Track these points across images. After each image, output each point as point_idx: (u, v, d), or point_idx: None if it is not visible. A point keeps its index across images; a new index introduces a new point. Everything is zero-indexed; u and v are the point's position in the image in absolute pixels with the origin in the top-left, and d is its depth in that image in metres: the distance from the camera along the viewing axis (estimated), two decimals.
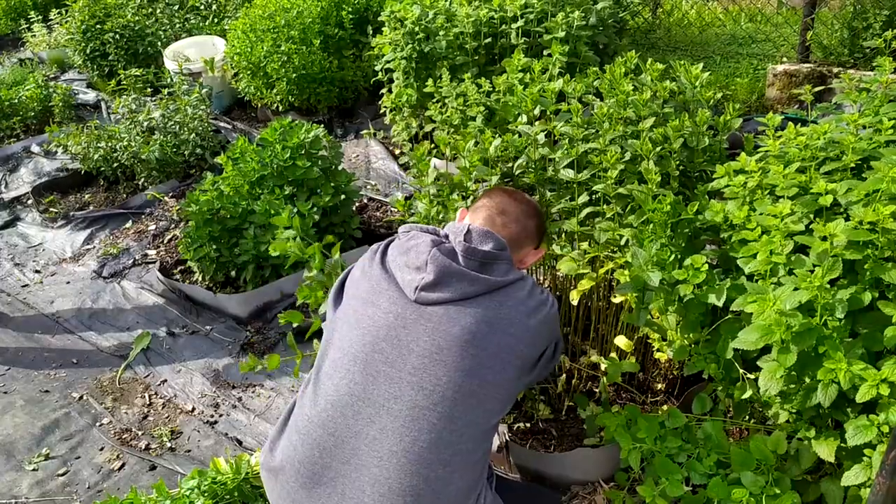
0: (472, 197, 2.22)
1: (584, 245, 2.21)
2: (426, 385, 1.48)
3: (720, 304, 1.70)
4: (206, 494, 1.93)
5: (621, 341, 2.20)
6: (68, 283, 3.59)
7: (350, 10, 4.69)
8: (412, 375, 1.49)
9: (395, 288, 1.57)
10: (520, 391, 1.82)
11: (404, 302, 1.55)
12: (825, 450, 1.60)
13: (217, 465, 2.05)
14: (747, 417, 1.91)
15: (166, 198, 4.14)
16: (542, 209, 1.85)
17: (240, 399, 2.76)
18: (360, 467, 1.47)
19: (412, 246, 1.60)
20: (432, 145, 2.81)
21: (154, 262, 3.60)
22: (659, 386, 2.36)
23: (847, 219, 1.66)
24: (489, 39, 3.69)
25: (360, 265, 1.69)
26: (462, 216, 1.80)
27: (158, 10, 5.93)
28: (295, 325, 2.08)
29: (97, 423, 2.68)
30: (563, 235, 2.33)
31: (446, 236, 1.66)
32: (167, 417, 2.71)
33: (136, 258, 3.70)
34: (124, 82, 4.62)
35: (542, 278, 2.73)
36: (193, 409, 2.73)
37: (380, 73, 4.06)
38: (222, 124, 4.93)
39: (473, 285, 1.55)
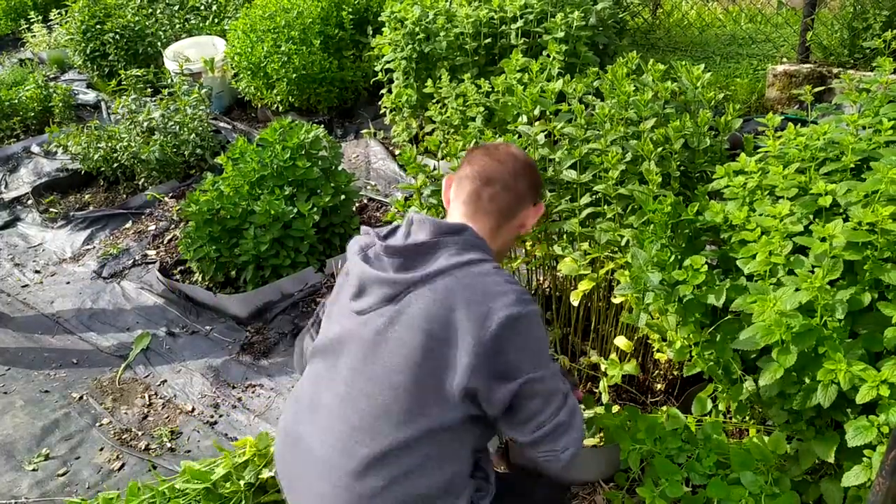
0: None
1: (585, 246, 2.21)
2: (341, 392, 1.48)
3: (720, 304, 1.70)
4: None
5: (621, 342, 2.20)
6: (68, 283, 3.59)
7: (350, 10, 4.69)
8: (339, 382, 1.49)
9: (345, 298, 1.56)
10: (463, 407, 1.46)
11: (348, 313, 1.52)
12: (825, 450, 1.60)
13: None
14: (747, 418, 1.91)
15: (166, 198, 4.14)
16: (531, 160, 1.69)
17: (239, 399, 2.76)
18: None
19: (349, 254, 1.57)
20: (425, 145, 2.81)
21: (154, 263, 3.60)
22: (659, 386, 2.36)
23: (846, 219, 1.66)
24: (489, 40, 3.69)
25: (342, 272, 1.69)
26: (448, 185, 1.67)
27: (158, 11, 5.93)
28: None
29: (97, 424, 2.68)
30: (563, 236, 2.33)
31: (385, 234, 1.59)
32: (167, 417, 2.71)
33: (136, 258, 3.70)
34: (124, 82, 4.62)
35: (542, 279, 2.73)
36: (193, 409, 2.73)
37: (380, 74, 4.06)
38: (222, 124, 4.93)
39: (392, 287, 1.46)
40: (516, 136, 2.23)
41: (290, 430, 1.57)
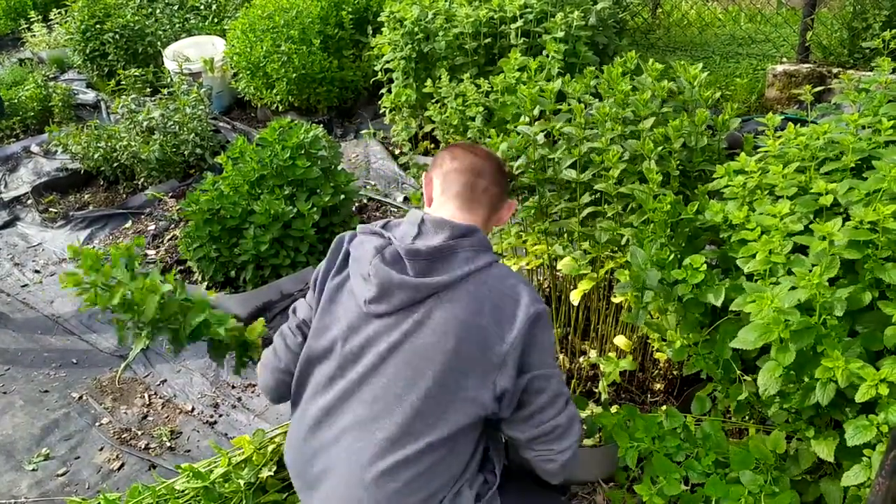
0: None
1: (585, 245, 2.21)
2: (367, 397, 1.48)
3: (719, 303, 1.70)
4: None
5: (621, 341, 2.20)
6: None
7: (350, 10, 4.69)
8: (357, 385, 1.50)
9: (351, 296, 1.55)
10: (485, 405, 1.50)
11: (357, 311, 1.52)
12: (824, 449, 1.60)
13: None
14: (746, 417, 1.91)
15: (166, 198, 4.14)
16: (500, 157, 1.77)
17: (239, 399, 2.76)
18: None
19: (359, 255, 1.56)
20: (425, 145, 2.82)
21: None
22: (658, 386, 2.36)
23: (847, 219, 1.66)
24: (489, 40, 3.69)
25: (330, 261, 1.63)
26: (428, 182, 1.67)
27: (158, 10, 5.93)
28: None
29: (97, 423, 2.68)
30: (563, 235, 2.33)
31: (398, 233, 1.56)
32: (167, 417, 2.71)
33: None
34: (124, 82, 4.62)
35: (541, 278, 2.73)
36: (193, 409, 2.73)
37: (379, 74, 4.06)
38: (222, 124, 4.92)
39: (418, 292, 1.47)
40: (517, 135, 2.23)
41: (308, 434, 1.57)
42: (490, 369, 1.45)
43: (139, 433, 2.63)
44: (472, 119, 2.58)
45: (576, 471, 1.59)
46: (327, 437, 1.52)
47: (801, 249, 1.70)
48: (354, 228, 1.67)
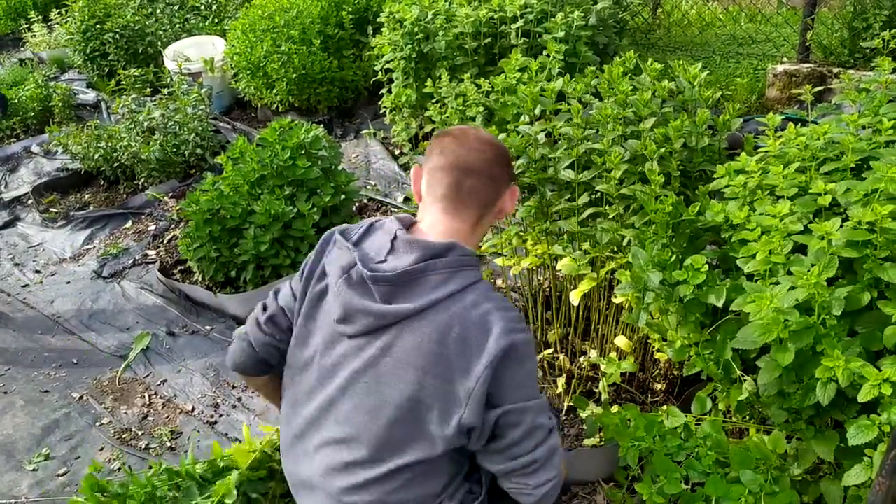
0: None
1: (585, 245, 2.21)
2: (339, 418, 1.47)
3: (720, 304, 1.70)
4: None
5: (621, 342, 2.20)
6: (68, 283, 3.59)
7: (350, 10, 4.69)
8: (330, 404, 1.48)
9: (327, 310, 1.49)
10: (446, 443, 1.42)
11: (331, 327, 1.47)
12: (825, 449, 1.60)
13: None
14: (746, 417, 1.91)
15: (166, 198, 4.14)
16: (500, 142, 1.59)
17: (239, 399, 2.76)
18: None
19: (331, 271, 1.48)
20: (425, 145, 2.81)
21: (154, 262, 3.60)
22: (659, 386, 2.36)
23: (846, 219, 1.66)
24: (489, 40, 3.69)
25: (316, 259, 1.55)
26: (417, 176, 1.56)
27: (158, 10, 5.93)
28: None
29: (97, 423, 2.68)
30: (564, 235, 2.33)
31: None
32: (167, 417, 2.71)
33: (136, 258, 3.70)
34: (124, 82, 4.62)
35: (542, 278, 2.73)
36: (193, 409, 2.73)
37: (380, 74, 4.06)
38: (222, 124, 4.92)
39: (382, 320, 1.39)
40: (517, 135, 2.23)
41: (295, 441, 1.58)
42: (454, 404, 1.37)
43: (139, 433, 2.63)
44: (473, 119, 2.58)
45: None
46: (308, 448, 1.53)
47: (802, 249, 1.70)
48: None
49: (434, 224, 1.48)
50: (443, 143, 1.53)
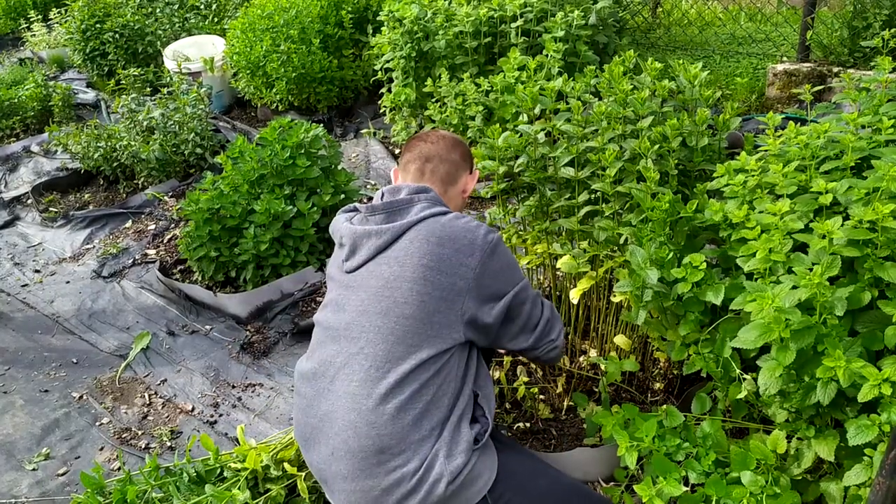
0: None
1: (584, 244, 2.21)
2: (354, 335, 1.66)
3: (718, 302, 1.70)
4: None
5: (621, 340, 2.20)
6: (68, 282, 3.59)
7: (349, 9, 4.69)
8: (345, 328, 1.68)
9: (337, 266, 1.78)
10: (469, 323, 1.68)
11: (342, 276, 1.74)
12: (825, 449, 1.59)
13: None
14: (746, 417, 1.91)
15: (166, 197, 4.14)
16: (460, 138, 1.98)
17: (239, 399, 2.75)
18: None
19: (335, 228, 1.81)
20: None
21: (154, 262, 3.60)
22: (658, 385, 2.36)
23: (847, 218, 1.65)
24: (489, 39, 3.68)
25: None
26: (395, 176, 1.94)
27: (158, 10, 5.93)
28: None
29: (97, 423, 2.68)
30: (563, 234, 2.33)
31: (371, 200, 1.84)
32: (167, 417, 2.71)
33: (136, 258, 3.69)
34: (124, 82, 4.62)
35: (542, 277, 2.73)
36: (193, 408, 2.73)
37: (379, 73, 4.06)
38: (222, 124, 4.92)
39: (382, 236, 1.68)
40: (516, 134, 2.23)
41: (308, 388, 1.72)
42: (457, 294, 1.63)
43: (139, 433, 2.63)
44: (472, 118, 2.58)
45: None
46: (323, 384, 1.68)
47: (802, 248, 1.70)
48: None
49: None
50: (409, 144, 1.94)
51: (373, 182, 4.14)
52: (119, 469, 2.46)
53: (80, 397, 2.82)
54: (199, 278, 3.35)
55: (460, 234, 1.67)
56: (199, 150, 4.34)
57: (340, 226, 1.78)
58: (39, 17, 6.77)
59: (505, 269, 1.71)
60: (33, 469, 2.49)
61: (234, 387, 2.82)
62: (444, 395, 1.62)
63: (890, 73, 2.13)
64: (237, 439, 2.57)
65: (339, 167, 3.39)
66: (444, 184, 1.86)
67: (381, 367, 1.60)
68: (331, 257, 1.86)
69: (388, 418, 1.57)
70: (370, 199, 3.93)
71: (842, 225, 1.61)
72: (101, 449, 2.56)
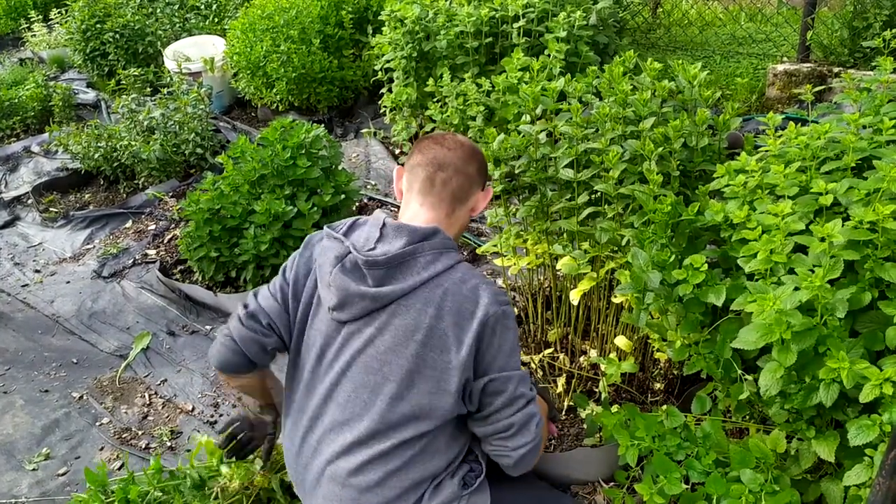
0: None
1: (585, 245, 2.21)
2: (341, 400, 1.54)
3: (720, 303, 1.70)
4: None
5: (621, 341, 2.20)
6: (68, 282, 3.59)
7: (350, 9, 4.69)
8: (332, 389, 1.56)
9: (321, 305, 1.59)
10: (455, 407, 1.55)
11: (328, 320, 1.57)
12: (825, 449, 1.59)
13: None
14: (747, 417, 1.91)
15: (166, 197, 4.14)
16: (478, 147, 1.74)
17: (239, 398, 2.75)
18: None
19: (322, 262, 1.58)
20: None
21: (154, 262, 3.60)
22: (658, 386, 2.36)
23: (847, 218, 1.65)
24: (490, 39, 3.68)
25: (300, 263, 1.65)
26: (399, 175, 1.72)
27: (158, 10, 5.93)
28: None
29: (97, 423, 2.68)
30: (563, 235, 2.33)
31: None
32: (167, 417, 2.71)
33: (136, 258, 3.69)
34: (124, 82, 4.62)
35: (542, 278, 2.73)
36: (193, 408, 2.73)
37: (380, 73, 4.06)
38: (222, 124, 4.92)
39: (377, 301, 1.50)
40: (517, 134, 2.23)
41: (301, 444, 1.63)
42: (450, 373, 1.49)
43: (139, 433, 2.63)
44: (473, 118, 2.57)
45: (532, 466, 1.63)
46: (312, 442, 1.59)
47: (803, 248, 1.70)
48: None
49: (415, 215, 1.63)
50: (423, 144, 1.69)
51: (373, 182, 4.14)
52: (120, 469, 2.46)
53: (81, 397, 2.82)
54: (200, 278, 3.35)
55: (460, 307, 1.50)
56: (199, 151, 4.33)
57: (328, 263, 1.56)
58: (40, 17, 6.77)
59: (499, 348, 1.52)
60: (33, 469, 2.49)
61: None
62: (431, 464, 1.55)
63: (891, 73, 2.13)
64: None
65: (340, 167, 3.39)
66: (454, 201, 1.63)
67: (364, 442, 1.52)
68: (305, 271, 1.64)
69: (362, 488, 1.51)
70: (370, 199, 3.95)
71: (842, 226, 1.61)
72: (102, 449, 2.56)
